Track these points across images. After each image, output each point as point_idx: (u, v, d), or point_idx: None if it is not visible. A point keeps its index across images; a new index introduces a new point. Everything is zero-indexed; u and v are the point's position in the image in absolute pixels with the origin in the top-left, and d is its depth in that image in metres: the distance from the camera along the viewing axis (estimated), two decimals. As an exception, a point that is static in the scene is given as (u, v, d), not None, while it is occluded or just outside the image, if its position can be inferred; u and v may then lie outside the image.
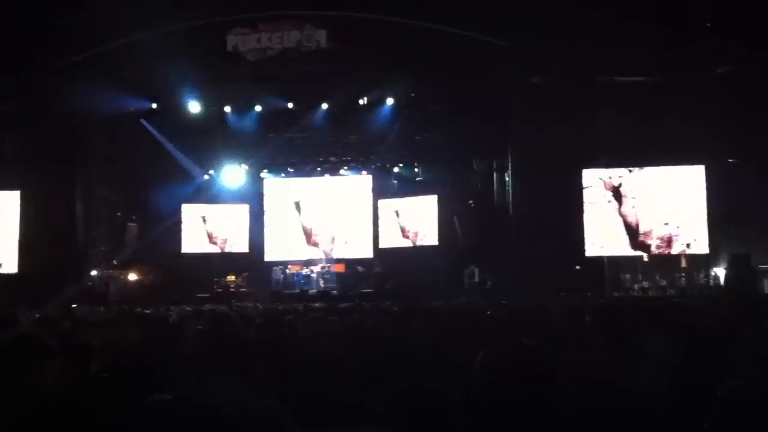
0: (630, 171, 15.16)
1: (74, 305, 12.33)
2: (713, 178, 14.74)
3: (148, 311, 9.39)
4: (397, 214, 17.93)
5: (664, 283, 14.97)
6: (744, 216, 13.72)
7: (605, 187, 15.28)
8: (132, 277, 16.52)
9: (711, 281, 14.67)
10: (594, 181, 15.30)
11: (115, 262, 16.57)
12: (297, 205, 18.47)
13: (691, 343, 4.64)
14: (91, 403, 3.30)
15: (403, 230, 17.82)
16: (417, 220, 17.71)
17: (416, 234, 17.67)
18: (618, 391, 3.65)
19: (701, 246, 14.84)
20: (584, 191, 15.23)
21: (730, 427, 3.04)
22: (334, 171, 18.45)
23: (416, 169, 18.24)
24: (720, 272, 14.20)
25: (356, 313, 7.55)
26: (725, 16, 11.76)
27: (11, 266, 15.51)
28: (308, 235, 18.37)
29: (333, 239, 18.30)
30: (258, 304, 11.71)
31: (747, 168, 14.01)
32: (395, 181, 18.38)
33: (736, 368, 4.08)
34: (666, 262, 15.20)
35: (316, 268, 18.08)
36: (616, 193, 15.27)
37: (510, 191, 15.59)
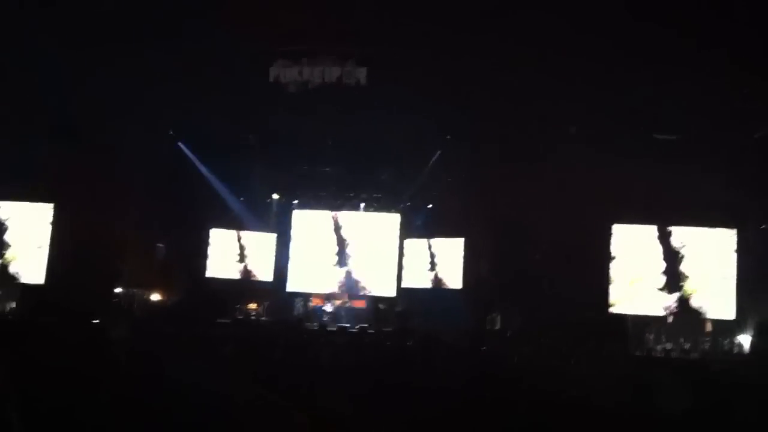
0: (663, 231, 15.11)
1: (96, 321, 12.39)
2: (744, 243, 14.62)
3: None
4: (430, 247, 17.95)
5: (687, 346, 14.75)
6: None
7: (635, 243, 15.24)
8: (155, 297, 16.63)
9: (736, 348, 14.42)
10: (624, 236, 15.27)
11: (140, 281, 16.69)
12: (325, 237, 18.55)
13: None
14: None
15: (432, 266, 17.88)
16: (442, 262, 17.72)
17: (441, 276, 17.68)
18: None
19: (728, 311, 14.67)
20: (613, 246, 15.20)
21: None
22: (363, 207, 18.55)
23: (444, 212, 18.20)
24: (745, 339, 13.99)
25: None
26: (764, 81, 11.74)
27: (38, 277, 15.79)
28: (333, 268, 18.39)
29: (357, 275, 18.30)
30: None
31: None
32: (422, 222, 18.41)
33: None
34: (690, 325, 14.99)
35: (338, 302, 18.10)
36: (646, 251, 15.20)
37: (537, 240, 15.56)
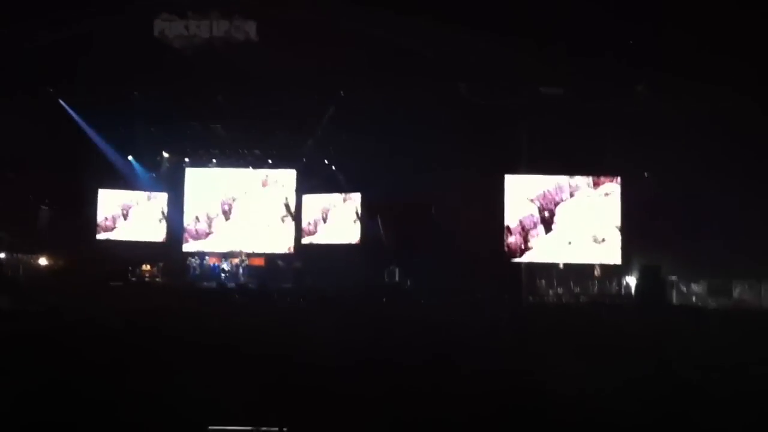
0: (553, 181, 15.53)
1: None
2: (628, 191, 15.20)
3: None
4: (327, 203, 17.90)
5: (577, 290, 15.30)
6: (656, 228, 14.17)
7: (528, 193, 15.61)
8: (42, 262, 16.01)
9: (623, 290, 15.06)
10: (517, 186, 15.61)
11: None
12: (220, 195, 18.22)
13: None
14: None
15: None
16: (340, 218, 17.70)
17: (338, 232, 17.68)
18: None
19: (614, 256, 15.25)
20: (507, 196, 15.53)
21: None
22: (258, 164, 18.28)
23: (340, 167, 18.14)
24: (631, 282, 14.63)
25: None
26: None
27: None
28: (229, 226, 18.13)
29: (253, 232, 18.08)
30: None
31: (660, 182, 14.50)
32: (319, 178, 18.31)
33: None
34: (580, 271, 15.56)
35: (235, 261, 17.87)
36: (536, 201, 15.59)
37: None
